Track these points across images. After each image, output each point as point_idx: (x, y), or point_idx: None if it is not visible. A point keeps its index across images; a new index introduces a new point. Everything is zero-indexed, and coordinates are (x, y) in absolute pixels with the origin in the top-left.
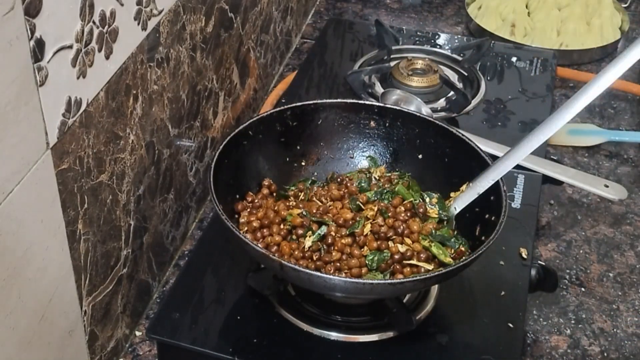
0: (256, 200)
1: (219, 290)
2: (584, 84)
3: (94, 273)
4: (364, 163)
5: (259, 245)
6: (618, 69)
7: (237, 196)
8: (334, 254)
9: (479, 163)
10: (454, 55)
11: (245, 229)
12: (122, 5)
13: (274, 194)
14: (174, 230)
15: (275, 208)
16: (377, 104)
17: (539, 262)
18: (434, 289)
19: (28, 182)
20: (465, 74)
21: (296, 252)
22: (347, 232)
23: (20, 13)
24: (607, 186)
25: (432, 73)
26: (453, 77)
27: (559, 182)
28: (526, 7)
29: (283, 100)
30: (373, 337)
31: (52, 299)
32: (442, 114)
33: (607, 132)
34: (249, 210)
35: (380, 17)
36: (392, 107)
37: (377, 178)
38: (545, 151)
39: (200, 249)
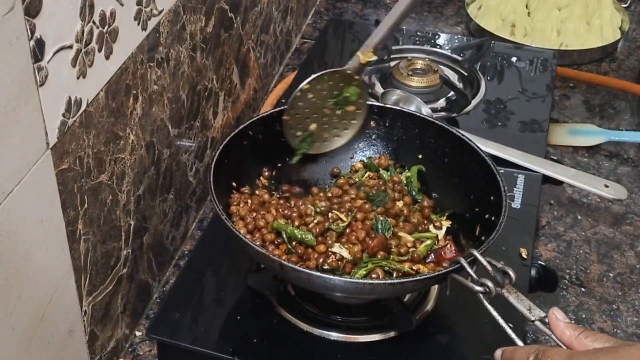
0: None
1: (219, 290)
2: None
3: (94, 273)
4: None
5: (257, 242)
6: None
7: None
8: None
9: (479, 163)
10: (454, 55)
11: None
12: (122, 5)
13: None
14: (174, 230)
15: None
16: (377, 104)
17: (539, 262)
18: (434, 289)
19: (28, 182)
20: (465, 74)
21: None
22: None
23: (20, 13)
24: (607, 186)
25: (432, 73)
26: (453, 77)
27: (559, 182)
28: (526, 7)
29: (283, 100)
30: (373, 337)
31: (52, 299)
32: (442, 114)
33: (607, 132)
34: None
35: (380, 17)
36: (392, 107)
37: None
38: (545, 151)
39: (200, 249)
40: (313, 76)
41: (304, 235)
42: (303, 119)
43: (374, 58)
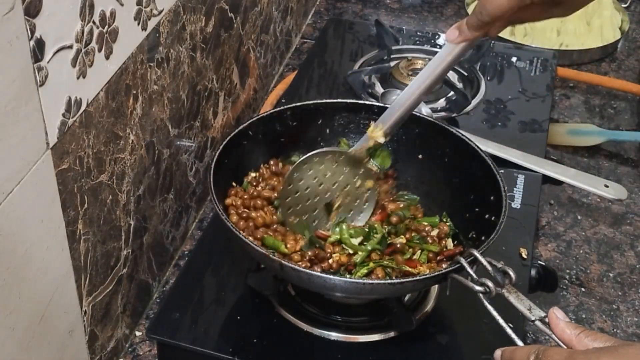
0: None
1: (219, 290)
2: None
3: (94, 273)
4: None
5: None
6: None
7: None
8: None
9: (479, 163)
10: None
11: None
12: (122, 5)
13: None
14: (174, 230)
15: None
16: (377, 104)
17: (539, 262)
18: (434, 289)
19: (28, 182)
20: (465, 74)
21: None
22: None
23: (20, 13)
24: (607, 186)
25: None
26: (453, 77)
27: (559, 182)
28: None
29: (283, 100)
30: (373, 337)
31: (52, 299)
32: (442, 114)
33: (607, 132)
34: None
35: (380, 17)
36: None
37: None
38: (545, 151)
39: (200, 249)
40: (313, 152)
41: (279, 246)
42: (303, 200)
43: (383, 140)
